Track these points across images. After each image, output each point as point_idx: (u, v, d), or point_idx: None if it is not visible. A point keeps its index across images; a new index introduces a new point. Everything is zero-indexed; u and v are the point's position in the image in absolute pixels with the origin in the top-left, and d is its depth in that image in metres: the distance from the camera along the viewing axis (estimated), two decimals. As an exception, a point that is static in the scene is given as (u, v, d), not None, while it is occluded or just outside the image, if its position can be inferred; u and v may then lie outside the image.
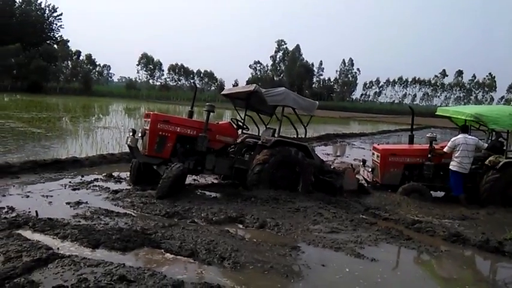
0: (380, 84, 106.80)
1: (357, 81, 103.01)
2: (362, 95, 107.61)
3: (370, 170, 9.35)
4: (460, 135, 8.35)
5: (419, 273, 4.93)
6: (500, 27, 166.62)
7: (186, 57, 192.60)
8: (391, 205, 7.73)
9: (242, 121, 8.88)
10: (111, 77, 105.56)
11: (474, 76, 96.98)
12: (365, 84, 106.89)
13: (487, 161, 8.28)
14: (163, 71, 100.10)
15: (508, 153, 8.24)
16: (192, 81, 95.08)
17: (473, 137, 8.48)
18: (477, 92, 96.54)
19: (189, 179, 8.36)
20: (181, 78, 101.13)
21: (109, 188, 7.31)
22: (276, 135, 8.21)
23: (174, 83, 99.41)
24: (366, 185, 9.13)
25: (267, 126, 9.26)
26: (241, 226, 5.91)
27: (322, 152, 15.81)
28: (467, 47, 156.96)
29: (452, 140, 8.36)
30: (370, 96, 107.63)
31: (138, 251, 4.59)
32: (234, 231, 5.58)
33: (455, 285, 4.58)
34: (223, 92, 9.75)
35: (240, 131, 8.70)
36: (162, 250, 4.63)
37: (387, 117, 56.81)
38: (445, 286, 4.68)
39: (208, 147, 7.71)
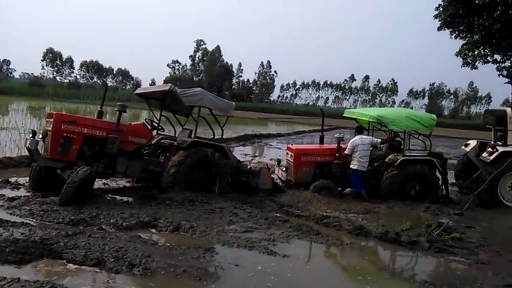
0: (296, 87, 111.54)
1: (275, 83, 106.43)
2: (279, 96, 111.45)
3: (284, 169, 9.68)
4: (356, 137, 9.03)
5: (327, 265, 5.23)
6: (402, 37, 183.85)
7: (101, 55, 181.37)
8: (303, 202, 8.07)
9: (157, 122, 8.62)
10: (11, 73, 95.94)
11: (379, 81, 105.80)
12: (282, 86, 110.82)
13: (387, 159, 9.06)
14: (73, 68, 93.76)
15: (405, 152, 9.09)
16: (103, 79, 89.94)
17: (368, 137, 9.26)
18: (381, 95, 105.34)
19: (98, 183, 7.88)
20: (93, 76, 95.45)
21: (4, 195, 6.59)
22: (192, 136, 8.10)
23: (86, 81, 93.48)
24: (280, 183, 9.44)
25: (184, 127, 9.10)
26: (153, 231, 5.72)
27: (240, 152, 16.01)
28: (374, 54, 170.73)
29: (350, 142, 9.01)
30: (287, 98, 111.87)
31: (36, 263, 4.20)
32: (146, 237, 5.37)
33: (358, 275, 4.92)
34: (136, 91, 9.37)
35: (154, 132, 8.43)
36: (64, 261, 4.30)
37: (302, 118, 59.39)
38: (349, 276, 5.00)
39: (120, 149, 7.34)
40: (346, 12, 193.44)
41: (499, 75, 22.63)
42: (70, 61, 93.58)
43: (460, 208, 7.61)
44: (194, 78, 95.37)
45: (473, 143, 10.21)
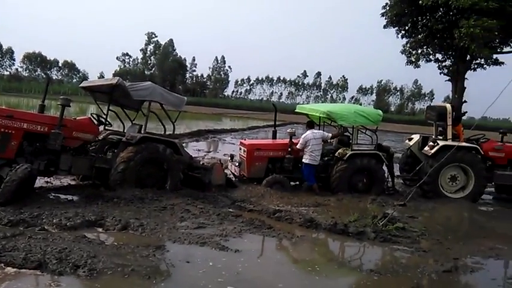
0: (250, 82, 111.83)
1: (229, 79, 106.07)
2: (233, 92, 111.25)
3: (237, 164, 9.69)
4: (308, 132, 9.24)
5: (277, 258, 5.30)
6: (352, 35, 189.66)
7: (46, 46, 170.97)
8: (255, 197, 8.13)
9: (104, 117, 8.29)
10: None
11: (330, 78, 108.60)
12: (236, 81, 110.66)
13: (337, 153, 9.33)
14: (14, 59, 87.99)
15: (353, 146, 9.41)
16: (46, 72, 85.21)
17: (319, 131, 9.50)
18: (332, 91, 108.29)
19: (40, 182, 7.46)
20: (37, 68, 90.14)
21: None
22: (142, 131, 7.88)
23: (28, 74, 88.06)
24: (233, 179, 9.44)
25: (133, 122, 8.83)
26: (100, 230, 5.51)
27: (194, 148, 15.83)
28: (325, 51, 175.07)
29: (302, 136, 9.20)
30: (242, 94, 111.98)
31: (-32, 269, 3.91)
32: (92, 236, 5.16)
33: (307, 266, 5.04)
34: (82, 85, 8.97)
35: (102, 128, 8.10)
36: (2, 264, 4.03)
37: (256, 113, 59.69)
38: (298, 268, 5.11)
39: (64, 146, 6.97)
40: (298, 9, 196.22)
41: (440, 73, 24.01)
42: (10, 52, 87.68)
43: (404, 199, 8.01)
44: (146, 72, 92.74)
45: (416, 138, 10.77)
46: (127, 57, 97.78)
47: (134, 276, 4.09)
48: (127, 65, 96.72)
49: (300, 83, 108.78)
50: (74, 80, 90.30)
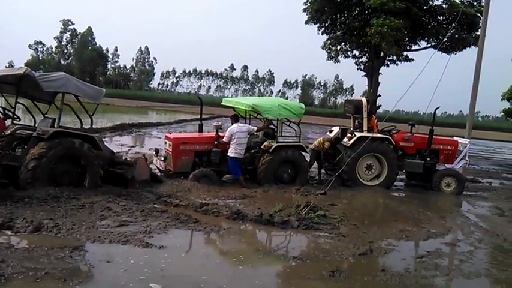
0: (177, 75, 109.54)
1: (155, 71, 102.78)
2: (160, 84, 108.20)
3: (162, 158, 9.44)
4: (234, 125, 9.31)
5: (203, 252, 5.27)
6: (277, 29, 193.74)
7: None
8: (182, 191, 8.00)
9: (11, 110, 7.56)
10: None
11: (257, 71, 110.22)
12: (163, 74, 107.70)
13: (263, 145, 9.51)
14: None
15: (278, 138, 9.65)
16: None
17: (244, 125, 9.62)
18: (259, 85, 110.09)
19: None
20: None
21: None
22: (55, 125, 7.32)
23: None
24: (159, 174, 9.19)
25: (46, 115, 8.17)
26: (9, 232, 5.05)
27: (116, 142, 15.14)
28: (252, 45, 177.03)
29: (228, 130, 9.25)
30: (168, 86, 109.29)
31: None
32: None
33: (233, 257, 5.09)
34: (-17, 75, 8.05)
35: (9, 122, 7.39)
36: None
37: (184, 107, 58.66)
38: (224, 260, 5.14)
39: (-38, 142, 6.25)
40: (224, 2, 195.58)
41: (357, 69, 25.56)
42: None
43: (324, 188, 8.43)
44: (62, 62, 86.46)
45: (336, 130, 11.35)
46: (40, 45, 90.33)
47: (48, 279, 3.83)
48: (40, 54, 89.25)
49: (228, 77, 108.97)
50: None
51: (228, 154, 9.05)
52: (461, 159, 11.18)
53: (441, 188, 10.57)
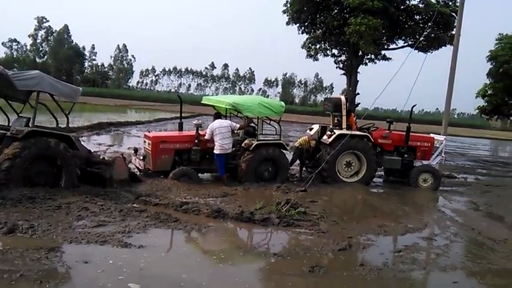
0: (156, 73, 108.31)
1: (133, 69, 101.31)
2: (139, 82, 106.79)
3: (141, 157, 9.33)
4: (215, 122, 9.27)
5: (183, 250, 5.25)
6: (258, 28, 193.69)
7: None
8: (162, 190, 7.92)
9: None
10: None
11: (237, 70, 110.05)
12: (142, 72, 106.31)
13: (243, 143, 9.50)
14: None
15: (258, 136, 9.66)
16: None
17: (226, 120, 9.58)
18: (240, 84, 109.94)
19: None
20: None
21: None
22: (30, 124, 7.13)
23: None
24: (138, 173, 9.07)
25: (20, 115, 7.96)
26: (-19, 235, 4.89)
27: (94, 142, 14.86)
28: (232, 43, 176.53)
29: (209, 127, 9.22)
30: (147, 85, 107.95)
31: None
32: (-30, 243, 4.57)
33: (213, 255, 5.07)
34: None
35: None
36: None
37: (164, 105, 57.97)
38: (204, 258, 5.12)
39: None
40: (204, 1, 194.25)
41: (336, 67, 25.82)
42: None
43: (304, 185, 8.49)
44: (37, 60, 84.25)
45: (316, 127, 11.45)
46: (15, 43, 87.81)
47: (23, 281, 3.75)
48: (14, 52, 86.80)
49: (209, 75, 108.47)
50: None
51: (214, 151, 9.02)
52: (438, 155, 11.44)
53: (418, 183, 10.80)
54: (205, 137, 9.10)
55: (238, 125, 9.75)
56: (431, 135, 12.03)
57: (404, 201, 9.30)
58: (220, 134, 8.99)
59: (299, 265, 4.93)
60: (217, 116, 9.59)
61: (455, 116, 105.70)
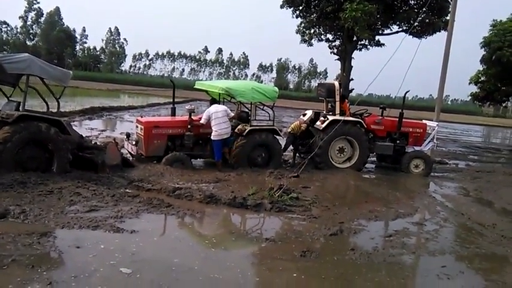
0: (150, 57, 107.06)
1: (126, 53, 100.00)
2: (131, 66, 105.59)
3: (134, 143, 9.28)
4: (211, 107, 9.23)
5: (175, 235, 5.27)
6: (252, 12, 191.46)
7: None
8: (154, 176, 7.91)
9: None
10: None
11: (231, 54, 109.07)
12: (134, 56, 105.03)
13: (236, 129, 9.48)
14: None
15: (252, 122, 9.63)
16: None
17: (222, 105, 9.53)
18: (234, 68, 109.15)
19: None
20: None
21: None
22: (20, 109, 7.05)
23: None
24: (130, 158, 9.04)
25: (10, 98, 7.85)
26: (-28, 220, 4.88)
27: (86, 126, 14.75)
28: (226, 27, 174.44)
29: (206, 112, 9.18)
30: (140, 69, 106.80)
31: None
32: (-39, 229, 4.55)
33: (205, 240, 5.11)
34: None
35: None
36: None
37: (157, 90, 57.39)
38: (196, 242, 5.16)
39: None
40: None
41: (330, 52, 25.66)
42: None
43: (297, 171, 8.52)
44: (28, 43, 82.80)
45: (309, 113, 11.43)
46: (4, 25, 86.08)
47: (15, 266, 3.76)
48: (4, 35, 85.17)
49: (202, 59, 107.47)
50: None
51: (212, 137, 9.00)
52: (430, 141, 11.51)
53: (410, 169, 10.89)
54: (201, 122, 9.06)
55: (232, 113, 9.73)
56: (424, 121, 12.08)
57: (396, 187, 9.39)
58: (216, 119, 8.96)
59: (290, 250, 4.98)
60: (214, 101, 9.53)
61: (449, 102, 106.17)
